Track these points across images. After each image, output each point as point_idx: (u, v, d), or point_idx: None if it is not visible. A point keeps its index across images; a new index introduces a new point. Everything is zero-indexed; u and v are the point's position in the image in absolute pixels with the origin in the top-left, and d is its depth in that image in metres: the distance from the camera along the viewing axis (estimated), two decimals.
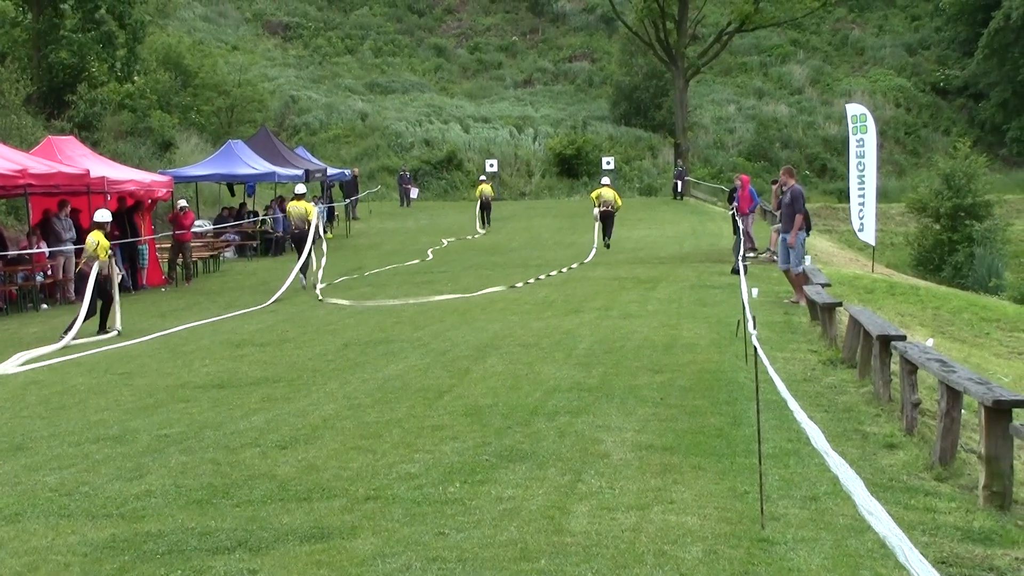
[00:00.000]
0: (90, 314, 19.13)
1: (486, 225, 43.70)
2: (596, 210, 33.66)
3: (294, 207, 26.98)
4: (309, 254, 25.77)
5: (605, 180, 36.13)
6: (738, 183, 27.68)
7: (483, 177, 51.36)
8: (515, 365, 13.76)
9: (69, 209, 25.82)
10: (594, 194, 34.88)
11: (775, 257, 26.75)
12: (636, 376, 12.74)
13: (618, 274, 25.62)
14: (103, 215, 20.48)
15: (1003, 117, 70.63)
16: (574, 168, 64.38)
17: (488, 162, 59.49)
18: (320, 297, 23.27)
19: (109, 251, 19.88)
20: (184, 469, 9.12)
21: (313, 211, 26.72)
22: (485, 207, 44.65)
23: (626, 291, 22.26)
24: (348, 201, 47.48)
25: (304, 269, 25.65)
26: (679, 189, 56.71)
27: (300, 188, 28.57)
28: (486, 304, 20.92)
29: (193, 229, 30.98)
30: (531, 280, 25.11)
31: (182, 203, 30.22)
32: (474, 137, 66.61)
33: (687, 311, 18.82)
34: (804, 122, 71.54)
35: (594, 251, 31.82)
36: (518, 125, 69.08)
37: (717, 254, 29.20)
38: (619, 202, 34.19)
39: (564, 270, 27.33)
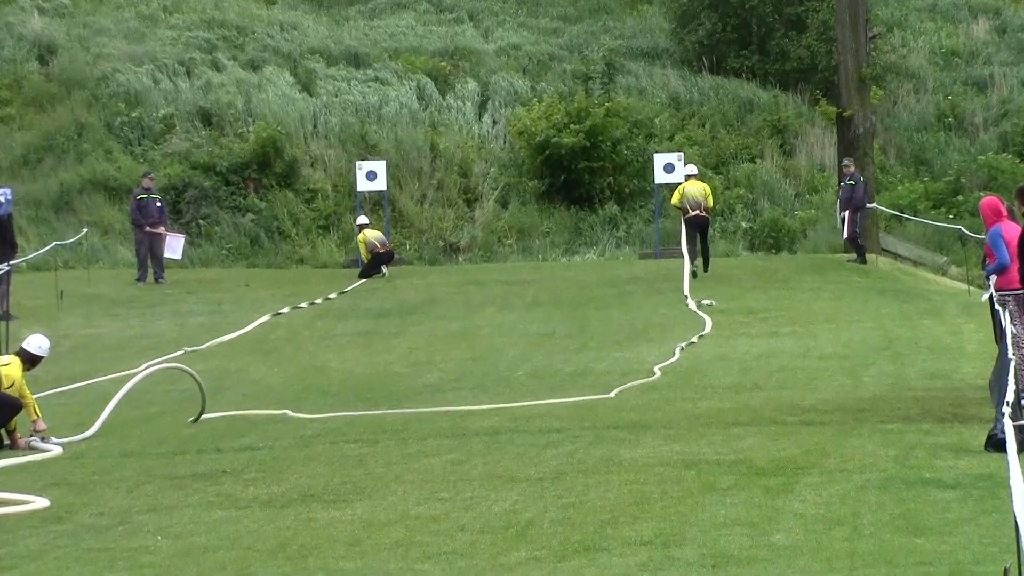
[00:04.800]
0: None
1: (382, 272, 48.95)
2: (683, 218, 44.30)
3: None
4: None
5: (690, 170, 46.30)
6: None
7: (363, 219, 51.15)
8: None
9: None
10: (676, 194, 44.80)
11: None
12: None
13: (697, 450, 21.83)
14: None
15: None
16: (578, 181, 57.15)
17: (362, 168, 53.04)
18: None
19: None
20: None
21: None
22: (382, 261, 48.54)
23: (716, 495, 18.68)
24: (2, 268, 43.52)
25: None
26: (852, 232, 47.59)
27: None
28: (358, 534, 16.89)
29: None
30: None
31: None
32: (327, 104, 60.77)
33: (876, 548, 15.72)
34: None
35: (693, 301, 38.61)
36: (438, 74, 63.09)
37: (948, 400, 25.95)
38: (711, 202, 45.58)
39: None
